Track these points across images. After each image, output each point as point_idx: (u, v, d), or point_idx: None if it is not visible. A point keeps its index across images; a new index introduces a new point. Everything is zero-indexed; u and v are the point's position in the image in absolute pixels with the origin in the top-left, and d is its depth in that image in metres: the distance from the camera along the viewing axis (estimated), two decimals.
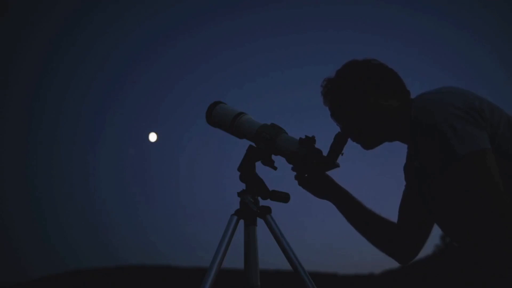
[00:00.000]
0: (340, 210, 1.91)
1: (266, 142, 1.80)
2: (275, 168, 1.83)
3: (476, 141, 1.39)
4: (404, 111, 1.63)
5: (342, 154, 1.72)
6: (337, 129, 1.77)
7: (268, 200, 1.79)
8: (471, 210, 1.39)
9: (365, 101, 1.67)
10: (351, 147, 1.77)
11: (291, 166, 1.84)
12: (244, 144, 1.88)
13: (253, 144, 1.85)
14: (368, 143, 1.74)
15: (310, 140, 1.72)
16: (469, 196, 1.39)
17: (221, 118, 1.96)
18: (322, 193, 1.91)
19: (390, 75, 1.71)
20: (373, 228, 1.87)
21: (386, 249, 1.87)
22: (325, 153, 1.73)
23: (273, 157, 1.83)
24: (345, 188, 1.90)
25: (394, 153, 1.90)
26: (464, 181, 1.40)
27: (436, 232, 1.80)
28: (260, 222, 1.76)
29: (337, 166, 1.76)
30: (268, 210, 1.77)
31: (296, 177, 1.88)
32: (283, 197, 1.78)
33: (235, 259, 1.80)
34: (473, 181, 1.38)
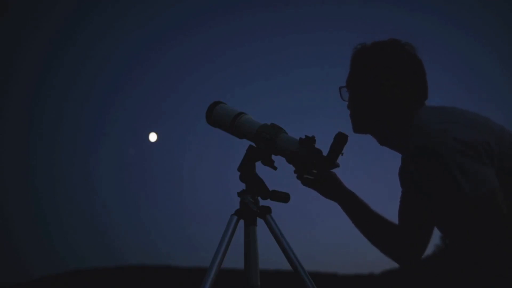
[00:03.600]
0: (346, 211, 1.90)
1: (266, 142, 1.80)
2: (275, 168, 1.83)
3: (484, 181, 1.39)
4: (408, 117, 1.62)
5: (342, 154, 1.72)
6: (337, 129, 1.77)
7: (268, 200, 1.79)
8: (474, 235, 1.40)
9: (383, 83, 1.65)
10: (351, 148, 1.77)
11: (291, 166, 1.84)
12: (244, 144, 1.88)
13: (253, 144, 1.85)
14: (359, 124, 1.74)
15: (310, 140, 1.72)
16: (473, 229, 1.40)
17: (221, 118, 1.96)
18: (329, 193, 1.91)
19: (420, 74, 1.67)
20: (377, 231, 1.86)
21: (389, 252, 1.86)
22: (325, 153, 1.73)
23: (273, 157, 1.83)
24: (351, 190, 1.90)
25: (394, 154, 1.90)
26: (471, 219, 1.40)
27: (436, 232, 1.79)
28: (260, 222, 1.76)
29: (337, 166, 1.75)
30: (268, 210, 1.77)
31: (299, 177, 1.88)
32: (283, 197, 1.78)
33: (235, 259, 1.80)
34: (480, 221, 1.39)
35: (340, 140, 1.69)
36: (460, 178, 1.39)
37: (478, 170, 1.39)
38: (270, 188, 1.79)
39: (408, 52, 1.68)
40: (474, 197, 1.38)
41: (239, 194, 1.80)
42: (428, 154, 1.45)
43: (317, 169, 1.79)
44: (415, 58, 1.68)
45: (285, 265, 1.69)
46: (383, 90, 1.65)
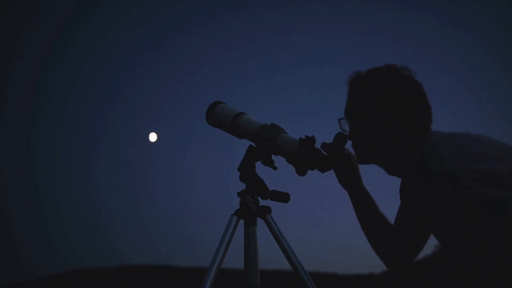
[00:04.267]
0: (353, 203, 1.87)
1: (266, 142, 1.80)
2: (275, 168, 1.83)
3: (502, 207, 1.38)
4: (415, 142, 1.60)
5: None
6: (337, 129, 1.77)
7: (268, 200, 1.79)
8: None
9: (383, 110, 1.64)
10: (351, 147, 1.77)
11: (291, 166, 1.84)
12: (244, 144, 1.88)
13: (253, 144, 1.85)
14: (363, 155, 1.73)
15: (310, 140, 1.72)
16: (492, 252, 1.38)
17: (221, 118, 1.96)
18: (344, 179, 1.87)
19: (420, 97, 1.65)
20: (377, 232, 1.84)
21: (381, 254, 1.84)
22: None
23: (273, 157, 1.83)
24: (364, 186, 1.87)
25: None
26: (490, 244, 1.38)
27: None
28: (260, 222, 1.76)
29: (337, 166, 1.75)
30: (268, 210, 1.77)
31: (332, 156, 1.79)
32: (283, 197, 1.78)
33: (235, 259, 1.80)
34: (499, 245, 1.37)
35: (340, 140, 1.69)
36: (479, 204, 1.39)
37: (495, 197, 1.39)
38: (270, 188, 1.79)
39: (406, 76, 1.66)
40: (492, 223, 1.37)
41: (239, 194, 1.80)
42: (447, 179, 1.43)
43: (317, 169, 1.79)
44: (414, 82, 1.66)
45: (285, 265, 1.69)
46: (385, 117, 1.64)
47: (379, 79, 1.67)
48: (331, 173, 1.88)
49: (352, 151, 1.80)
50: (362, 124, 1.70)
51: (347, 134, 1.73)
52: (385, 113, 1.64)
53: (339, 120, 1.78)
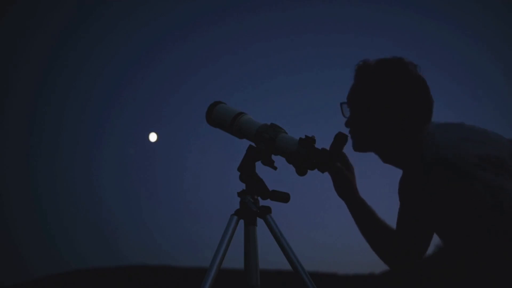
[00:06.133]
0: (352, 214, 1.87)
1: (266, 142, 1.80)
2: (275, 168, 1.83)
3: (502, 192, 1.38)
4: (412, 136, 1.61)
5: None
6: (337, 129, 1.77)
7: (268, 200, 1.79)
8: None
9: (387, 102, 1.65)
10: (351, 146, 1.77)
11: (291, 166, 1.84)
12: (244, 144, 1.88)
13: (253, 144, 1.85)
14: (360, 144, 1.73)
15: (310, 140, 1.72)
16: (492, 240, 1.39)
17: (221, 118, 1.96)
18: (341, 189, 1.87)
19: (424, 93, 1.66)
20: (379, 239, 1.84)
21: (385, 258, 1.83)
22: None
23: (273, 157, 1.83)
24: (361, 196, 1.87)
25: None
26: (490, 231, 1.39)
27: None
28: (260, 222, 1.76)
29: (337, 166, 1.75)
30: (268, 210, 1.77)
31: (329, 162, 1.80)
32: (283, 197, 1.78)
33: (235, 259, 1.80)
34: (500, 232, 1.38)
35: (340, 140, 1.69)
36: (479, 189, 1.38)
37: (495, 182, 1.39)
38: (270, 188, 1.79)
39: (412, 71, 1.67)
40: (493, 208, 1.37)
41: (239, 194, 1.80)
42: (446, 166, 1.44)
43: (318, 169, 1.78)
44: (418, 77, 1.67)
45: (285, 265, 1.69)
46: (388, 109, 1.64)
47: (386, 69, 1.68)
48: None
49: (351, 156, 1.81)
50: (364, 112, 1.70)
51: (346, 134, 1.73)
52: (388, 103, 1.64)
53: (341, 104, 1.77)
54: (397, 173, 1.84)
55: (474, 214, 1.41)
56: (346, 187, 1.84)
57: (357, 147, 1.75)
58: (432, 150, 1.49)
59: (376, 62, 1.71)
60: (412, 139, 1.61)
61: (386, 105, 1.64)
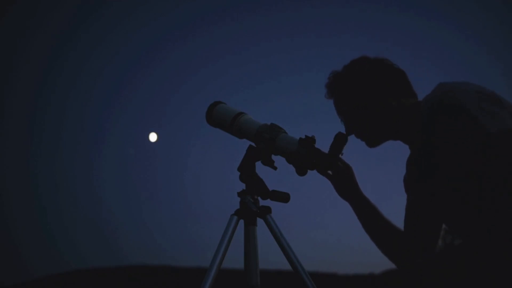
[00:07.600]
0: (356, 213, 1.89)
1: (266, 142, 1.80)
2: (275, 168, 1.83)
3: (505, 121, 1.42)
4: (411, 110, 1.66)
5: (341, 154, 1.72)
6: (337, 129, 1.77)
7: (268, 200, 1.79)
8: (495, 186, 1.38)
9: (374, 99, 1.71)
10: (351, 148, 1.77)
11: (291, 166, 1.84)
12: (244, 144, 1.88)
13: (253, 144, 1.85)
14: (373, 141, 1.77)
15: (310, 140, 1.72)
16: (497, 173, 1.39)
17: (221, 118, 1.96)
18: (343, 191, 1.90)
19: (400, 76, 1.74)
20: (384, 237, 1.85)
21: (393, 257, 1.84)
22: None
23: (273, 157, 1.83)
24: (364, 194, 1.89)
25: (396, 152, 1.90)
26: (496, 158, 1.40)
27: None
28: (260, 222, 1.76)
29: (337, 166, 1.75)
30: (268, 210, 1.77)
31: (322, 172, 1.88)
32: (283, 197, 1.78)
33: (235, 259, 1.80)
34: (505, 158, 1.38)
35: (340, 140, 1.69)
36: (482, 118, 1.42)
37: (499, 112, 1.44)
38: (270, 188, 1.79)
39: (371, 58, 1.76)
40: (499, 135, 1.40)
41: (239, 194, 1.80)
42: (447, 105, 1.49)
43: (317, 169, 1.79)
44: (381, 60, 1.76)
45: (285, 265, 1.69)
46: (379, 98, 1.71)
47: (357, 67, 1.76)
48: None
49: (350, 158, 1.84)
50: (364, 113, 1.74)
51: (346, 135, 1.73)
52: (376, 94, 1.71)
53: (341, 120, 1.82)
54: (398, 173, 1.85)
55: (476, 144, 1.43)
56: (350, 186, 1.88)
57: (371, 145, 1.78)
58: (431, 100, 1.56)
59: (344, 67, 1.79)
60: (410, 107, 1.68)
61: (376, 96, 1.71)
